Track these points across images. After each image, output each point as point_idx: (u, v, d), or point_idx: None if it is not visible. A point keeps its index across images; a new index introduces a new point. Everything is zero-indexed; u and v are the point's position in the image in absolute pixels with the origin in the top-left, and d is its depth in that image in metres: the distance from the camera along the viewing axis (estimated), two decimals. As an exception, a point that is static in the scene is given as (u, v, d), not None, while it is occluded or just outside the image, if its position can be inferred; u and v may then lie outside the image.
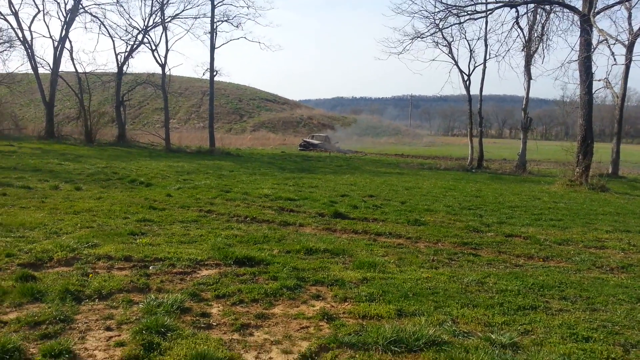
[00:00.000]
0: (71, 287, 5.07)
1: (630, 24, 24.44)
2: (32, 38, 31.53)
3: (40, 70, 32.29)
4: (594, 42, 18.45)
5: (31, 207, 9.57)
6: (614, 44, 18.10)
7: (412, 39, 22.96)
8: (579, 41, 18.56)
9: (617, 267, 7.03)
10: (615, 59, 17.63)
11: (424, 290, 5.50)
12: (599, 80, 19.14)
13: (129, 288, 5.25)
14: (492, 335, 4.28)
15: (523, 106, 25.55)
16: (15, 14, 30.92)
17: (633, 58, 22.13)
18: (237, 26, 30.65)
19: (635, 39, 23.73)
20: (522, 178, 21.76)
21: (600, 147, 22.49)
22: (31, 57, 31.29)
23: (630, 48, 23.51)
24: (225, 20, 30.69)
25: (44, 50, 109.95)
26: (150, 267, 6.00)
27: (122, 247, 6.73)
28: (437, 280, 5.91)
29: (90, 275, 5.63)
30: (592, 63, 18.18)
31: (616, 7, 22.40)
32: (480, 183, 18.39)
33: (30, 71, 32.19)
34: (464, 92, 27.07)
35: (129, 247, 6.78)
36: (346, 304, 5.09)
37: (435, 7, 21.92)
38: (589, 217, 11.31)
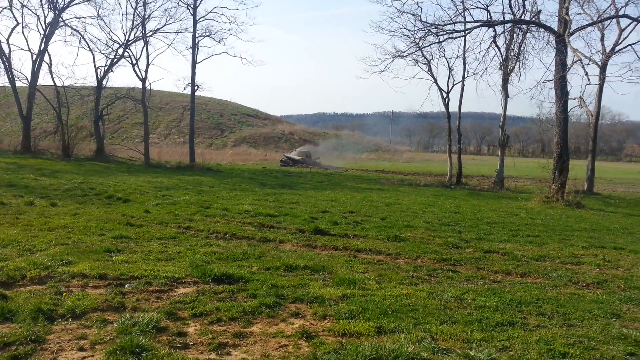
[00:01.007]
0: (44, 306, 4.94)
1: (603, 44, 25.16)
2: (9, 51, 31.04)
3: (18, 84, 31.79)
4: (569, 61, 18.94)
5: (4, 223, 9.35)
6: (588, 64, 18.66)
7: (393, 57, 23.28)
8: (554, 61, 19.06)
9: (592, 283, 7.13)
10: (589, 79, 18.16)
11: (404, 307, 5.50)
12: (574, 99, 19.64)
13: (104, 307, 5.14)
14: (470, 352, 4.28)
15: (500, 124, 26.00)
16: (-7, 26, 30.54)
17: (606, 78, 22.71)
18: (219, 41, 30.91)
19: (608, 60, 24.43)
20: (499, 194, 22.05)
21: (575, 164, 22.94)
22: (8, 70, 30.80)
23: (603, 68, 24.18)
24: (207, 36, 30.80)
25: (22, 64, 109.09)
26: (126, 286, 5.89)
27: (98, 264, 6.60)
28: (416, 297, 5.92)
29: (64, 294, 5.50)
30: (567, 82, 18.64)
31: (590, 28, 23.08)
32: (459, 199, 18.58)
33: (7, 84, 31.65)
34: (444, 109, 27.48)
35: (105, 264, 6.65)
36: (325, 321, 5.05)
37: (415, 26, 22.41)
38: (565, 234, 11.48)
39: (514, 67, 24.64)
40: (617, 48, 24.32)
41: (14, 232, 8.47)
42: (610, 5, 24.25)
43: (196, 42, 30.24)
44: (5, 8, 30.60)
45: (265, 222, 10.97)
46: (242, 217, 11.50)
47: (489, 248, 9.28)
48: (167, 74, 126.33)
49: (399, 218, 12.62)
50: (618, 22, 24.05)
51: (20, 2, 30.75)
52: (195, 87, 30.85)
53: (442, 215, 13.73)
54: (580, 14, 24.08)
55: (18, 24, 30.79)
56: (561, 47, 18.33)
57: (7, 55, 30.80)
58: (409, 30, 22.54)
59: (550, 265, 8.26)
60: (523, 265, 8.13)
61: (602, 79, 23.10)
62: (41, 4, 30.85)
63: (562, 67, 18.47)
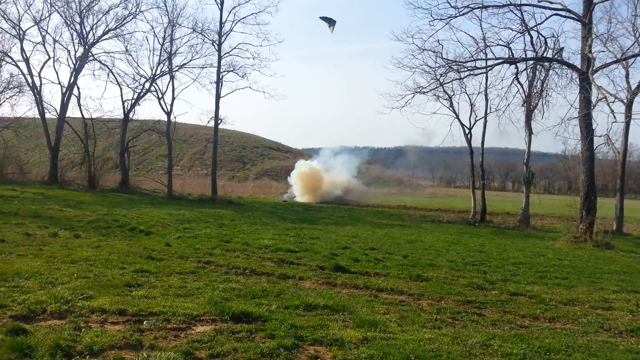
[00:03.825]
0: (62, 342, 4.91)
1: (628, 82, 24.82)
2: (41, 84, 32.07)
3: (47, 115, 32.72)
4: (594, 99, 18.69)
5: (29, 254, 9.45)
6: (614, 101, 18.33)
7: (414, 92, 23.38)
8: (578, 98, 18.84)
9: (625, 330, 6.82)
10: (615, 117, 17.77)
11: (427, 352, 5.31)
12: (600, 137, 19.27)
13: (122, 345, 5.08)
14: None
15: (525, 161, 25.65)
16: (27, 60, 31.65)
17: (632, 116, 22.35)
18: (242, 76, 31.26)
19: (634, 97, 24.09)
20: (525, 233, 21.57)
21: (603, 202, 22.40)
22: (39, 102, 31.80)
23: (629, 106, 23.83)
24: (231, 71, 31.34)
25: (52, 96, 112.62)
26: (145, 322, 5.84)
27: (117, 299, 6.58)
28: (440, 342, 5.72)
29: (83, 329, 5.48)
30: (592, 120, 18.37)
31: (614, 66, 22.88)
32: (484, 237, 18.22)
33: (37, 116, 32.64)
34: (466, 144, 27.28)
35: (124, 299, 6.63)
36: (346, 366, 4.90)
37: (435, 62, 22.42)
38: (595, 276, 11.10)
39: (537, 104, 24.42)
40: (643, 86, 24.01)
41: (37, 264, 8.54)
42: (634, 44, 24.10)
43: (220, 77, 30.85)
44: (38, 43, 31.87)
45: (285, 258, 10.88)
46: (262, 252, 11.44)
47: (516, 290, 9.01)
48: (192, 107, 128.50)
49: (422, 256, 12.39)
50: (643, 60, 23.80)
51: (53, 38, 31.98)
52: (219, 121, 31.32)
53: (467, 254, 13.45)
54: (603, 51, 23.88)
55: (50, 58, 31.89)
56: (585, 85, 18.15)
57: (39, 88, 31.86)
58: (430, 67, 22.67)
59: (579, 309, 7.95)
60: (551, 309, 7.84)
61: (629, 117, 22.71)
62: (72, 39, 31.96)
63: (586, 105, 18.25)
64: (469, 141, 26.97)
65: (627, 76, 24.91)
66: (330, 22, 27.37)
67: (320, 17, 29.44)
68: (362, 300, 7.66)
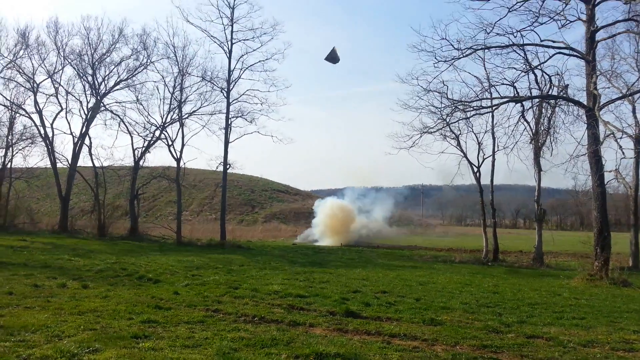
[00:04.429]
0: (66, 400, 4.78)
1: (635, 117, 24.74)
2: (53, 135, 32.77)
3: (59, 165, 33.23)
4: (601, 135, 18.63)
5: (36, 307, 9.36)
6: (622, 137, 18.24)
7: (421, 133, 23.47)
8: (586, 134, 18.81)
9: (650, 374, 6.54)
10: (623, 153, 17.69)
11: (443, 403, 5.10)
12: (610, 172, 19.10)
13: (127, 401, 4.94)
14: None
15: (535, 198, 25.45)
16: (40, 112, 32.47)
17: (641, 151, 22.21)
18: (250, 121, 31.70)
19: (642, 132, 23.98)
20: (540, 272, 21.15)
21: (617, 238, 22.01)
22: (51, 153, 32.37)
23: (638, 141, 23.71)
24: (240, 116, 31.78)
25: (64, 146, 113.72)
26: (151, 376, 5.69)
27: (124, 352, 6.46)
28: (456, 391, 5.51)
29: (88, 385, 5.34)
30: (601, 156, 18.26)
31: (620, 102, 22.90)
32: (498, 277, 17.87)
33: (49, 166, 33.12)
34: (475, 182, 27.17)
35: (131, 352, 6.50)
36: (358, 420, 4.70)
37: (441, 102, 22.59)
38: (613, 315, 10.77)
39: (544, 141, 24.41)
40: (650, 121, 23.97)
41: (44, 317, 8.44)
42: (638, 79, 24.22)
43: (229, 122, 31.29)
44: (51, 95, 32.73)
45: (295, 304, 10.69)
46: (271, 298, 11.26)
47: (532, 332, 8.74)
48: (201, 153, 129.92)
49: (435, 299, 12.13)
50: (649, 95, 23.83)
51: (65, 89, 32.85)
52: (228, 166, 31.58)
53: (480, 295, 13.15)
54: (608, 87, 23.98)
55: (62, 109, 32.69)
56: (592, 121, 18.15)
57: (51, 139, 32.53)
58: (436, 107, 22.84)
59: (599, 352, 7.67)
60: (570, 352, 7.58)
61: (638, 152, 22.60)
62: (84, 90, 32.82)
63: (594, 141, 18.20)
64: (477, 179, 26.89)
65: (633, 111, 24.91)
66: (333, 59, 27.79)
67: (325, 59, 29.97)
68: (375, 348, 7.44)
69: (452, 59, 20.16)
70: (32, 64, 32.44)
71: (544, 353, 7.44)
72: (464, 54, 19.94)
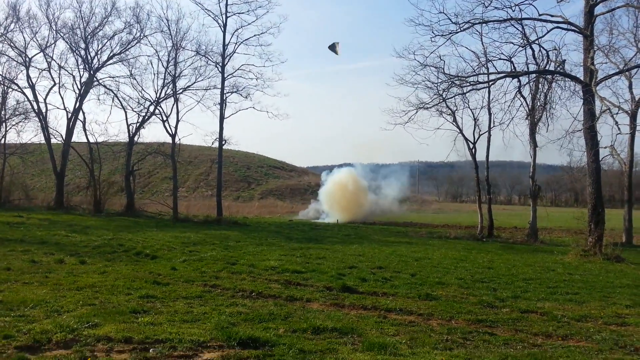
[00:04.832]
0: (67, 374, 4.84)
1: (631, 93, 24.70)
2: (46, 110, 32.46)
3: (53, 141, 33.01)
4: (597, 111, 18.59)
5: (34, 282, 9.41)
6: (617, 113, 18.21)
7: (417, 108, 23.29)
8: (582, 110, 18.77)
9: (641, 347, 6.67)
10: (619, 128, 17.63)
11: (439, 375, 5.20)
12: (605, 148, 19.12)
13: (127, 375, 5.00)
14: None
15: (530, 174, 25.51)
16: (32, 87, 32.08)
17: (637, 127, 22.25)
18: (246, 97, 31.38)
19: (638, 108, 23.99)
20: (534, 247, 21.36)
21: (611, 214, 22.18)
22: (45, 128, 32.11)
23: (633, 117, 23.73)
24: (235, 92, 31.45)
25: (58, 122, 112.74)
26: (151, 350, 5.76)
27: (123, 326, 6.51)
28: (451, 364, 5.61)
29: (89, 359, 5.40)
30: (597, 132, 18.26)
31: (617, 77, 22.82)
32: (492, 253, 18.04)
33: (43, 141, 32.92)
34: (470, 158, 27.18)
35: (130, 326, 6.56)
36: (356, 392, 4.79)
37: (438, 78, 22.39)
38: (606, 290, 10.92)
39: (541, 117, 24.34)
40: (647, 96, 23.94)
41: (43, 292, 8.49)
42: (635, 54, 24.14)
43: (224, 98, 30.97)
44: (44, 70, 32.30)
45: (292, 279, 10.78)
46: (268, 274, 11.35)
47: (527, 307, 8.86)
48: (196, 129, 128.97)
49: (430, 274, 12.25)
50: (646, 71, 23.74)
51: (58, 64, 32.40)
52: (223, 142, 31.41)
53: (475, 270, 13.29)
54: (606, 63, 23.89)
55: (55, 84, 32.32)
56: (588, 97, 18.11)
57: (44, 114, 32.24)
58: (432, 83, 22.65)
59: (593, 326, 7.80)
60: (564, 326, 7.70)
61: (633, 128, 22.64)
62: (77, 65, 32.40)
63: (590, 117, 18.18)
64: (473, 155, 26.89)
65: (630, 87, 24.86)
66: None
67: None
68: (371, 322, 7.54)
69: (450, 33, 19.95)
70: (24, 37, 31.95)
71: (539, 327, 7.56)
72: (462, 28, 19.72)
